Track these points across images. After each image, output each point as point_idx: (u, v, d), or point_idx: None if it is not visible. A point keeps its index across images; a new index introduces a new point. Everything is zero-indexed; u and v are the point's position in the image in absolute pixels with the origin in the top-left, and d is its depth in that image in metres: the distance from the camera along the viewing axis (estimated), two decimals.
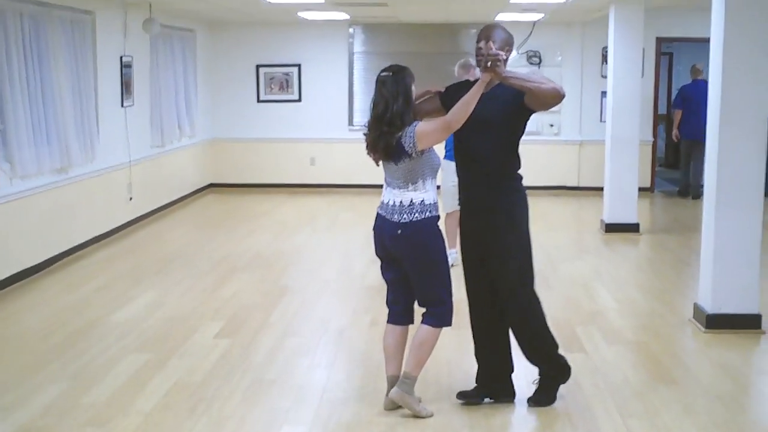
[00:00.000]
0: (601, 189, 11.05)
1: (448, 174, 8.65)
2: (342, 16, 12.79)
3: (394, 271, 5.01)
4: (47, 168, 8.68)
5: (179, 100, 12.72)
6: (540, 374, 5.23)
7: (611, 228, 10.59)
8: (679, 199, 13.57)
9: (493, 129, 4.82)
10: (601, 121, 13.56)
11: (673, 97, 15.23)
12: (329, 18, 13.11)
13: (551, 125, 14.10)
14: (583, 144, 14.03)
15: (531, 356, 5.21)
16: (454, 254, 8.71)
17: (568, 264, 9.04)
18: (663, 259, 9.51)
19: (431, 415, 4.97)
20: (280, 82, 14.15)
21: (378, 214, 4.96)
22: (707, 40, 6.88)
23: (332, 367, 5.81)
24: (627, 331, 6.77)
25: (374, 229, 5.01)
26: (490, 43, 4.64)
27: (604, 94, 13.13)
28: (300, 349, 6.25)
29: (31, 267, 8.35)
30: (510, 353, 5.25)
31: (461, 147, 4.98)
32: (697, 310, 6.80)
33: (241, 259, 9.17)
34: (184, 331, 6.64)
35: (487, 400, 5.21)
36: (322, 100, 14.17)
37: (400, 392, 4.93)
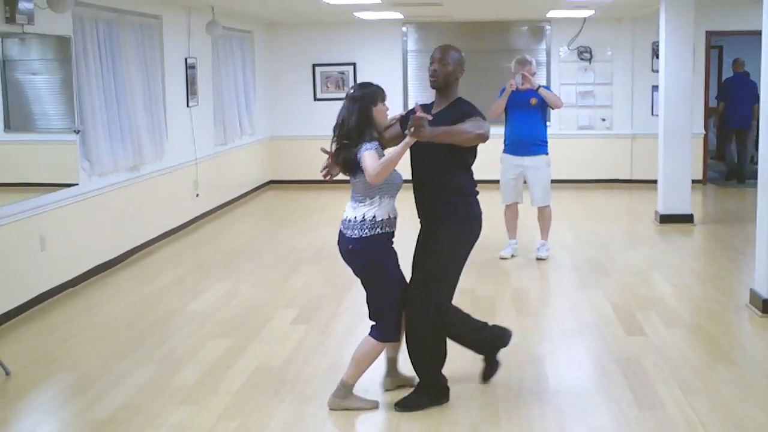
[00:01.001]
0: (654, 181, 11.27)
1: (507, 168, 8.96)
2: (396, 15, 13.10)
3: None
4: (122, 166, 9.09)
5: (240, 100, 13.11)
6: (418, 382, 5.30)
7: (665, 219, 10.79)
8: (731, 188, 13.73)
9: (445, 150, 4.93)
10: (652, 114, 13.72)
11: None
12: (384, 17, 13.42)
13: (603, 119, 14.30)
14: (635, 137, 14.20)
15: (413, 361, 5.27)
16: (514, 245, 9.02)
17: (624, 253, 9.27)
18: (717, 248, 9.71)
19: (376, 407, 5.17)
20: (336, 81, 14.48)
21: (340, 229, 5.08)
22: (757, 33, 7.08)
23: (403, 350, 6.08)
24: (684, 315, 7.01)
25: (338, 244, 5.14)
26: (417, 106, 4.74)
27: (655, 88, 13.32)
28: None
29: (109, 260, 8.76)
30: (470, 323, 5.43)
31: (416, 164, 5.11)
32: (754, 296, 7.01)
33: (306, 252, 9.51)
34: (261, 318, 6.99)
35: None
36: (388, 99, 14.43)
37: (334, 399, 5.15)
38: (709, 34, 13.93)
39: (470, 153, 5.09)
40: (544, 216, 9.06)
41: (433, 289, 5.08)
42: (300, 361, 5.93)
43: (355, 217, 4.94)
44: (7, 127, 7.90)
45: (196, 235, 10.64)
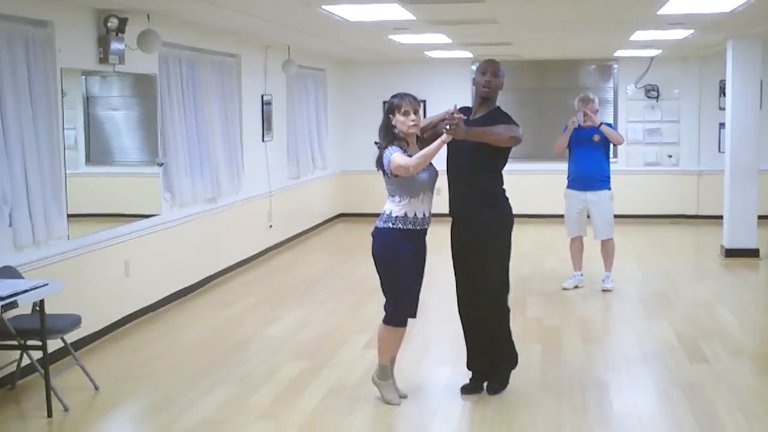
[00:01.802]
0: (720, 217, 11.37)
1: (571, 203, 9.18)
2: (466, 54, 13.41)
3: None
4: (201, 197, 9.48)
5: (312, 135, 13.50)
6: (494, 363, 5.95)
7: (731, 253, 10.89)
8: None
9: (479, 153, 5.53)
10: (719, 151, 13.83)
11: None
12: (453, 56, 13.74)
13: (670, 156, 14.43)
14: (702, 174, 14.30)
15: (494, 348, 5.92)
16: (579, 276, 9.22)
17: (690, 286, 9.41)
18: None
19: (397, 404, 5.74)
20: None
21: None
22: None
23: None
24: (749, 346, 7.15)
25: None
26: (455, 106, 5.39)
27: (721, 125, 13.43)
28: (440, 359, 6.82)
29: (188, 287, 9.14)
30: (493, 344, 5.97)
31: (452, 165, 5.75)
32: None
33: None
34: (334, 343, 7.28)
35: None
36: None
37: (373, 376, 5.90)
38: None
39: (502, 157, 5.67)
40: (607, 249, 9.24)
41: (506, 290, 5.84)
42: (372, 383, 6.17)
43: (383, 211, 5.56)
44: (89, 160, 8.29)
45: (270, 265, 10.99)
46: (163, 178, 8.73)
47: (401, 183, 5.43)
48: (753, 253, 10.89)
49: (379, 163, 5.52)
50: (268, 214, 11.61)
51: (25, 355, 6.04)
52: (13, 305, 5.24)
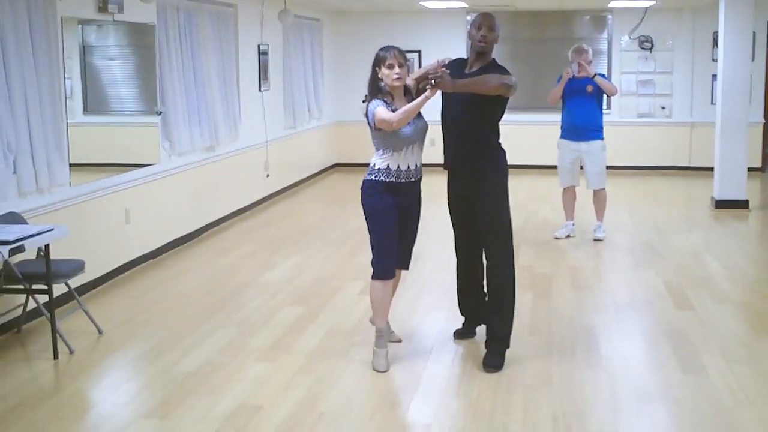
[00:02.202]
0: (711, 169, 11.52)
1: (564, 153, 9.32)
2: (461, 4, 13.47)
3: None
4: (199, 146, 9.61)
5: (308, 85, 13.60)
6: (489, 335, 5.74)
7: (721, 204, 11.07)
8: None
9: (474, 105, 5.48)
10: (711, 103, 13.93)
11: None
12: (448, 7, 13.80)
13: (663, 108, 14.55)
14: (695, 125, 14.43)
15: (492, 306, 5.75)
16: (571, 226, 9.41)
17: (679, 236, 9.59)
18: None
19: (383, 371, 5.58)
20: None
21: None
22: None
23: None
24: (734, 294, 7.33)
25: None
26: (437, 63, 5.49)
27: (714, 77, 13.52)
28: (435, 305, 7.01)
29: (187, 234, 9.31)
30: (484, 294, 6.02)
31: (446, 117, 5.69)
32: None
33: None
34: (330, 289, 7.46)
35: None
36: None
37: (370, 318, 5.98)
38: None
39: (498, 108, 5.59)
40: (599, 199, 9.40)
41: (510, 241, 5.70)
42: (367, 328, 6.33)
43: (370, 162, 5.56)
44: (87, 110, 8.37)
45: (267, 214, 11.16)
46: (162, 127, 8.85)
47: (384, 137, 5.41)
48: (743, 205, 11.06)
49: (366, 115, 5.53)
50: (265, 163, 11.75)
51: (30, 299, 6.22)
52: (20, 249, 5.38)
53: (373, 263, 5.65)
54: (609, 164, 9.58)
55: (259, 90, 11.58)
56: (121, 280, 7.82)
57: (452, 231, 6.01)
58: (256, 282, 7.79)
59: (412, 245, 5.85)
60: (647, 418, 4.84)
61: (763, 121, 14.18)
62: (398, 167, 5.47)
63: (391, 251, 5.62)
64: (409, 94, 5.60)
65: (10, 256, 5.34)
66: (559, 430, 4.65)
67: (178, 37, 9.06)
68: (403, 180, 5.51)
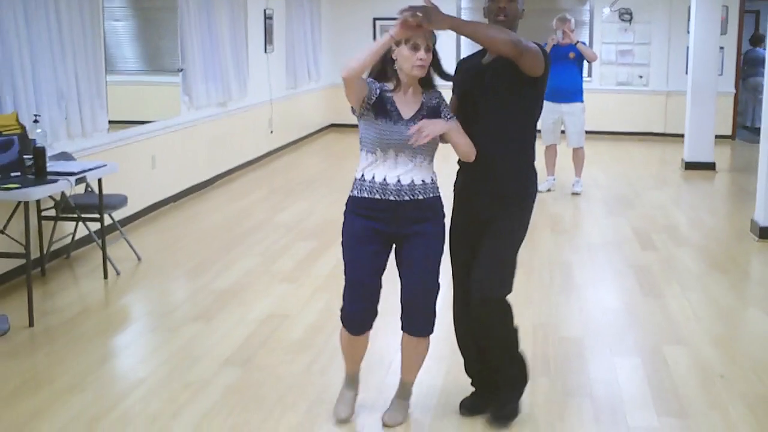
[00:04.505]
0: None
1: (547, 113, 10.15)
2: None
3: None
4: (213, 101, 10.51)
5: (308, 48, 14.49)
6: (499, 385, 4.40)
7: (690, 166, 12.05)
8: (758, 144, 14.85)
9: (500, 92, 4.10)
10: (686, 73, 14.83)
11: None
12: None
13: (640, 77, 15.51)
14: (670, 94, 15.38)
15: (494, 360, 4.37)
16: (552, 180, 10.37)
17: (650, 192, 10.58)
18: (733, 191, 11.01)
19: (341, 419, 4.34)
20: None
21: None
22: None
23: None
24: (693, 239, 8.32)
25: None
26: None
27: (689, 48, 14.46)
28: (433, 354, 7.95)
29: (203, 181, 10.22)
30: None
31: (464, 120, 4.14)
32: (753, 224, 8.29)
33: None
34: (337, 227, 8.20)
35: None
36: (440, 50, 15.69)
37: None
38: (743, 0, 15.03)
39: (537, 104, 4.23)
40: (578, 156, 10.36)
41: (503, 274, 4.23)
42: None
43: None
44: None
45: (272, 166, 12.10)
46: (182, 82, 9.73)
47: (362, 127, 4.11)
48: (710, 167, 12.04)
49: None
50: (269, 120, 12.64)
51: (77, 229, 7.14)
52: (83, 180, 6.27)
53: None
54: (589, 129, 10.55)
55: (265, 52, 12.45)
56: (149, 219, 8.73)
57: (451, 269, 4.38)
58: (270, 221, 8.73)
59: (417, 299, 4.14)
60: (612, 327, 5.83)
61: (734, 91, 15.16)
62: (373, 177, 4.06)
63: (357, 294, 4.16)
64: (432, 87, 4.18)
65: (76, 185, 6.22)
66: (538, 337, 5.60)
67: (196, 0, 9.92)
68: (377, 196, 4.05)
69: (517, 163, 4.18)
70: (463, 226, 4.29)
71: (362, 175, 4.06)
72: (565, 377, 4.94)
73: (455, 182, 4.35)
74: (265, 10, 12.36)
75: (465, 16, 15.56)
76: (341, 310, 4.22)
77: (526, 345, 4.60)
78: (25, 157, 5.96)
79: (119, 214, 7.72)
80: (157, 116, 9.22)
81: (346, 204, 4.14)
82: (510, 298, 4.28)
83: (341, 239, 4.17)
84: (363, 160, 4.09)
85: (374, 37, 15.75)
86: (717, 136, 12.42)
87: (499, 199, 4.15)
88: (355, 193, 4.09)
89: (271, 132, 12.73)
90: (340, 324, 4.25)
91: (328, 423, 4.32)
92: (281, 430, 4.26)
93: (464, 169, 4.27)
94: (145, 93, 9.61)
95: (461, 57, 3.98)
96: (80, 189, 7.04)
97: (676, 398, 4.64)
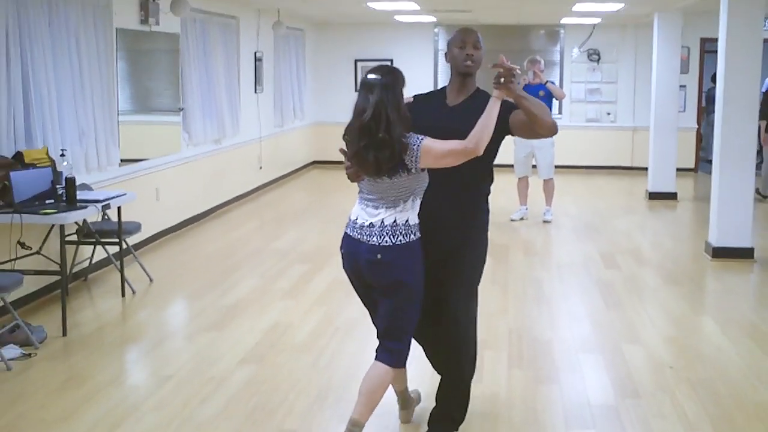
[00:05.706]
0: None
1: (519, 148, 11.11)
2: (430, 18, 15.25)
3: (372, 298, 4.42)
4: (210, 138, 11.29)
5: (294, 89, 15.32)
6: (438, 410, 4.70)
7: (654, 196, 12.94)
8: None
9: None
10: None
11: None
12: (419, 20, 15.58)
13: (608, 113, 16.43)
14: (636, 129, 16.29)
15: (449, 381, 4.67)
16: (524, 210, 11.18)
17: (615, 219, 11.42)
18: (693, 218, 11.87)
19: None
20: None
21: (347, 234, 4.37)
22: None
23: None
24: (653, 259, 9.15)
25: (343, 252, 4.44)
26: (502, 57, 4.22)
27: None
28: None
29: (199, 213, 10.97)
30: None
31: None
32: (707, 245, 9.12)
33: None
34: (330, 253, 9.11)
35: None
36: (413, 90, 16.46)
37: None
38: (704, 41, 15.99)
39: (496, 146, 4.37)
40: (548, 187, 11.19)
41: (474, 302, 4.62)
42: None
43: (382, 221, 4.17)
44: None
45: (262, 199, 12.89)
46: (183, 120, 10.50)
47: (422, 179, 4.20)
48: (672, 196, 12.92)
49: (384, 164, 4.09)
50: (259, 156, 13.42)
51: (95, 253, 7.87)
52: (107, 207, 7.01)
53: (400, 348, 4.31)
54: (560, 164, 11.44)
55: (255, 92, 13.25)
56: (155, 246, 9.46)
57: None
58: (266, 248, 9.49)
59: (384, 327, 4.32)
60: (578, 332, 6.61)
61: (696, 126, 16.09)
62: (350, 218, 4.44)
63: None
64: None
65: (103, 211, 6.97)
66: (513, 339, 6.37)
67: (195, 44, 10.72)
68: (352, 233, 4.37)
69: (480, 200, 4.53)
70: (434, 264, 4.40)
71: (418, 220, 4.21)
72: (537, 370, 5.73)
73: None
74: (255, 53, 13.17)
75: (441, 57, 16.43)
76: (407, 349, 4.32)
77: (502, 346, 5.40)
78: (56, 186, 6.72)
79: (131, 241, 8.45)
80: (159, 152, 9.96)
81: (409, 247, 4.16)
82: (488, 308, 5.10)
83: (414, 277, 4.20)
84: (416, 206, 4.20)
85: (355, 78, 16.60)
86: (680, 169, 13.39)
87: (468, 228, 4.49)
88: (414, 236, 4.20)
89: (261, 167, 13.50)
90: (394, 369, 4.29)
91: (334, 406, 5.08)
92: (296, 408, 5.03)
93: (443, 203, 4.40)
94: (147, 131, 10.34)
95: (417, 93, 4.57)
96: (94, 217, 7.77)
97: (632, 383, 5.44)
